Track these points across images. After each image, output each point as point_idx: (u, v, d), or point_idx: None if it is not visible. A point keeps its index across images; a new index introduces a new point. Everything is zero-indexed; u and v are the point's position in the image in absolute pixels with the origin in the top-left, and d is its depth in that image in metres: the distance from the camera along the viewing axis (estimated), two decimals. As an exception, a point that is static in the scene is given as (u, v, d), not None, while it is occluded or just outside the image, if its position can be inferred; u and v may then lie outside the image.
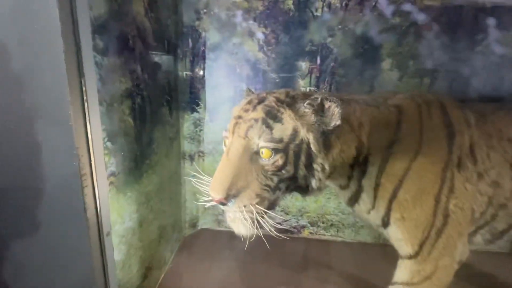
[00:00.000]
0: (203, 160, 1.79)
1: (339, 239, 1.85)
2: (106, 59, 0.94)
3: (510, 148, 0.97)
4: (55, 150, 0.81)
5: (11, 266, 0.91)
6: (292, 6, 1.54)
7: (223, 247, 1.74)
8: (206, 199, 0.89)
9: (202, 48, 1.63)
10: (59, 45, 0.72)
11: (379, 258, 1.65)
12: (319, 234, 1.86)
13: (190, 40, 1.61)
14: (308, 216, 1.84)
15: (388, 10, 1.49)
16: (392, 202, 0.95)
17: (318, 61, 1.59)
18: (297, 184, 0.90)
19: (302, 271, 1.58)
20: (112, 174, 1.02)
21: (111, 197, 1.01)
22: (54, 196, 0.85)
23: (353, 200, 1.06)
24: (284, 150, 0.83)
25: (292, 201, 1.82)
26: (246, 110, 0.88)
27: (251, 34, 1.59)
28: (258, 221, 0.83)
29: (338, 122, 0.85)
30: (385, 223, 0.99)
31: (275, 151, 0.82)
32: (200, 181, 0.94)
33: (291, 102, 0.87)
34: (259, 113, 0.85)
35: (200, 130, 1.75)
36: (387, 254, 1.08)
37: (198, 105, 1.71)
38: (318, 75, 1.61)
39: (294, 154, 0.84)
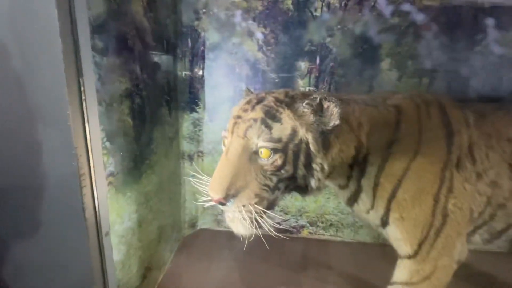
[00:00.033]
0: (203, 160, 1.79)
1: (338, 239, 1.85)
2: (105, 59, 0.94)
3: (509, 148, 0.97)
4: (54, 150, 0.81)
5: (9, 266, 0.91)
6: (291, 6, 1.54)
7: (222, 247, 1.74)
8: (205, 199, 0.89)
9: (202, 48, 1.62)
10: (57, 44, 0.72)
11: (378, 258, 1.65)
12: (318, 234, 1.86)
13: (189, 40, 1.61)
14: (308, 216, 1.84)
15: (387, 10, 1.49)
16: (391, 202, 0.95)
17: (317, 61, 1.59)
18: (296, 184, 0.90)
19: (302, 271, 1.58)
20: (111, 174, 1.02)
21: (110, 197, 1.01)
22: (52, 196, 0.84)
23: (352, 200, 1.06)
24: (283, 150, 0.83)
25: (292, 201, 1.82)
26: (245, 110, 0.88)
27: (250, 34, 1.59)
28: (257, 221, 0.83)
29: (337, 122, 0.85)
30: (384, 223, 0.99)
31: (274, 151, 0.82)
32: (199, 181, 0.94)
33: (290, 102, 0.87)
34: (258, 113, 0.85)
35: (200, 130, 1.75)
36: (386, 254, 1.08)
37: (197, 105, 1.71)
38: (317, 75, 1.61)
39: (293, 154, 0.84)
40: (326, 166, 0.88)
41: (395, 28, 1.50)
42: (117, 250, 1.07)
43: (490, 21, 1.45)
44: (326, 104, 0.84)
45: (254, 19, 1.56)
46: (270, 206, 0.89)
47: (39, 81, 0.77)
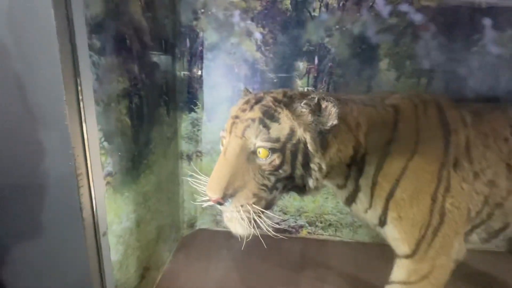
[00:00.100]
0: (201, 160, 1.79)
1: (337, 238, 1.85)
2: (103, 59, 0.94)
3: (506, 148, 0.98)
4: (51, 150, 0.80)
5: (6, 266, 0.91)
6: (289, 6, 1.54)
7: (221, 247, 1.74)
8: (204, 199, 0.89)
9: (200, 48, 1.62)
10: (54, 44, 0.72)
11: (377, 258, 1.65)
12: (317, 234, 1.86)
13: (187, 40, 1.61)
14: (306, 216, 1.84)
15: (385, 10, 1.49)
16: (389, 201, 0.95)
17: (316, 61, 1.60)
18: (294, 183, 0.90)
19: (300, 270, 1.58)
20: (109, 174, 1.02)
21: (108, 197, 1.01)
22: (49, 196, 0.84)
23: (351, 199, 1.06)
24: (281, 150, 0.83)
25: (290, 201, 1.82)
26: (244, 110, 0.88)
27: (249, 34, 1.59)
28: (255, 221, 0.83)
29: (335, 122, 0.85)
30: (382, 222, 0.99)
31: (272, 150, 0.82)
32: (197, 181, 0.94)
33: (288, 102, 0.87)
34: (256, 112, 0.85)
35: (198, 130, 1.75)
36: (385, 254, 1.08)
37: (196, 105, 1.71)
38: (315, 75, 1.61)
39: (291, 153, 0.84)
40: (324, 166, 0.88)
41: (393, 28, 1.51)
42: (115, 250, 1.07)
43: (487, 22, 1.46)
44: (324, 104, 0.84)
45: (252, 19, 1.56)
46: (268, 206, 0.89)
47: (36, 81, 0.76)
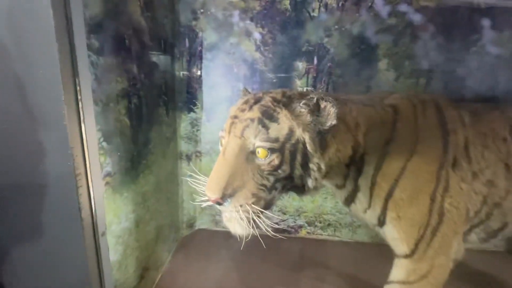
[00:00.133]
0: (200, 160, 1.79)
1: (337, 238, 1.85)
2: (102, 59, 0.94)
3: (504, 148, 0.98)
4: (49, 150, 0.80)
5: (4, 266, 0.90)
6: (289, 6, 1.54)
7: (220, 247, 1.74)
8: (203, 199, 0.89)
9: (199, 48, 1.62)
10: (53, 44, 0.72)
11: (376, 257, 1.65)
12: (316, 234, 1.86)
13: (187, 39, 1.61)
14: (306, 216, 1.84)
15: (384, 10, 1.50)
16: (388, 201, 0.95)
17: (315, 61, 1.60)
18: (293, 183, 0.90)
19: (300, 270, 1.58)
20: (108, 174, 1.02)
21: (107, 197, 1.01)
22: (48, 196, 0.84)
23: (350, 199, 1.06)
24: (280, 150, 0.83)
25: (290, 201, 1.82)
26: (243, 110, 0.88)
27: (248, 34, 1.59)
28: (254, 221, 0.83)
29: (334, 122, 0.85)
30: (381, 222, 0.99)
31: (271, 150, 0.82)
32: (196, 181, 0.94)
33: (287, 102, 0.87)
34: (255, 112, 0.85)
35: (197, 130, 1.75)
36: (384, 254, 1.08)
37: (195, 105, 1.71)
38: (315, 75, 1.61)
39: (290, 153, 0.84)
40: (323, 166, 0.88)
41: (392, 29, 1.51)
42: (114, 250, 1.07)
43: (486, 22, 1.46)
44: (323, 104, 0.84)
45: (251, 19, 1.56)
46: (267, 206, 0.89)
47: (35, 81, 0.76)
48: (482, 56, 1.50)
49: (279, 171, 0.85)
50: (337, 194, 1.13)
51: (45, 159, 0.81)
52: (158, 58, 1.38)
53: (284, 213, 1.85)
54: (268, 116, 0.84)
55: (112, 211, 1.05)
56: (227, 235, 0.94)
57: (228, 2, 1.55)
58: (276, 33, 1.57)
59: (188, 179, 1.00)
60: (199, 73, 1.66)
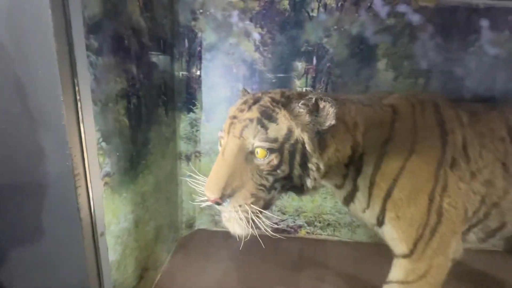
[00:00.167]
0: (200, 160, 1.79)
1: (336, 238, 1.86)
2: (101, 59, 0.94)
3: (502, 147, 0.99)
4: (48, 150, 0.80)
5: (3, 267, 0.90)
6: (288, 7, 1.54)
7: (220, 247, 1.74)
8: (202, 199, 0.89)
9: (198, 48, 1.62)
10: (52, 44, 0.72)
11: (375, 257, 1.65)
12: (316, 234, 1.87)
13: (186, 40, 1.61)
14: (305, 216, 1.84)
15: (383, 11, 1.50)
16: (386, 201, 0.96)
17: (314, 61, 1.60)
18: (292, 183, 0.90)
19: (299, 270, 1.58)
20: (107, 174, 1.02)
21: (106, 197, 1.01)
22: (47, 197, 0.84)
23: (349, 199, 1.06)
24: (279, 150, 0.83)
25: (289, 201, 1.82)
26: (242, 110, 0.88)
27: (247, 34, 1.59)
28: (253, 221, 0.83)
29: (333, 122, 0.85)
30: (380, 222, 1.00)
31: (270, 150, 0.82)
32: (196, 181, 0.94)
33: (286, 102, 0.88)
34: (254, 113, 0.85)
35: (197, 131, 1.75)
36: (383, 253, 1.08)
37: (194, 105, 1.71)
38: (314, 75, 1.62)
39: (289, 153, 0.84)
40: (322, 166, 0.88)
41: (391, 29, 1.51)
42: (113, 251, 1.06)
43: (484, 22, 1.47)
44: (321, 104, 0.84)
45: (251, 20, 1.57)
46: (267, 205, 0.89)
47: (34, 81, 0.76)
48: (480, 56, 1.51)
49: (278, 171, 0.85)
50: (336, 194, 1.13)
51: (43, 159, 0.81)
52: (157, 58, 1.38)
53: (284, 213, 1.85)
54: (267, 116, 0.84)
55: (111, 211, 1.05)
56: (227, 235, 0.94)
57: (227, 2, 1.55)
58: (275, 33, 1.58)
59: (188, 179, 1.00)
60: (198, 73, 1.66)
